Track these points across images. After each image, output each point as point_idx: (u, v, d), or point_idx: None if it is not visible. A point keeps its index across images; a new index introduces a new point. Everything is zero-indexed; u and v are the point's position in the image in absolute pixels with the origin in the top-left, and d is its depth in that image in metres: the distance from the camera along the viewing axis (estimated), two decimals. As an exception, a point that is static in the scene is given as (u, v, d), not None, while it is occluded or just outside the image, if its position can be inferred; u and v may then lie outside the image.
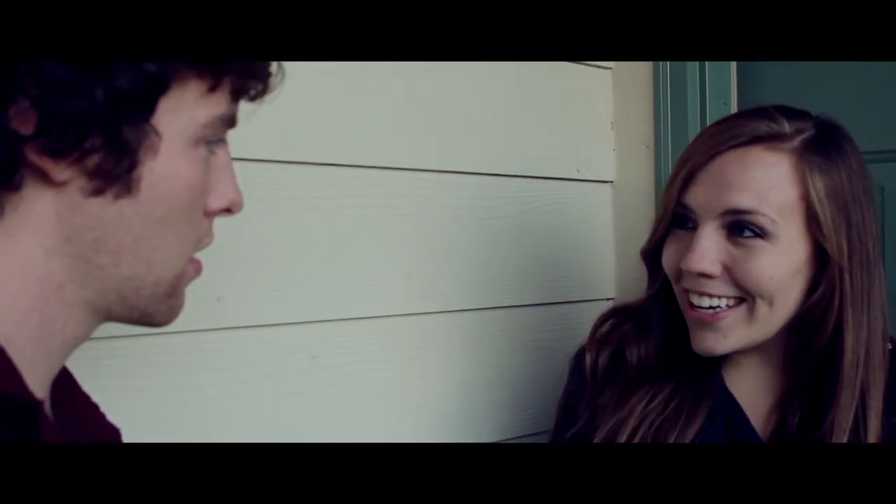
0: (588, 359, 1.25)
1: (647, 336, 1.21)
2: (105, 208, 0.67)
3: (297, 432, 1.25)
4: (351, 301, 1.31)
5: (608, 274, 1.70)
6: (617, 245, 1.70)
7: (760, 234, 1.05)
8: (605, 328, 1.26)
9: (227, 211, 0.78)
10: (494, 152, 1.50)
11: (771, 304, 1.07)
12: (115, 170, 0.66)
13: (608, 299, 1.69)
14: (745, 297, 1.07)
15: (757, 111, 1.12)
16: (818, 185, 1.05)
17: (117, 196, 0.67)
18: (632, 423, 1.16)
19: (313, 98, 1.25)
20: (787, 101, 1.13)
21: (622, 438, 1.15)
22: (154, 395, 1.13)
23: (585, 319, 1.65)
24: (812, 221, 1.05)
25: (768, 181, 1.05)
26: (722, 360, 1.17)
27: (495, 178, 1.51)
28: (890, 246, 1.44)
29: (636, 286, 1.65)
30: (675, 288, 1.14)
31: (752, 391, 1.17)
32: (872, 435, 1.05)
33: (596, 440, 1.18)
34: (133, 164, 0.67)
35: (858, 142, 1.44)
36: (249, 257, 1.21)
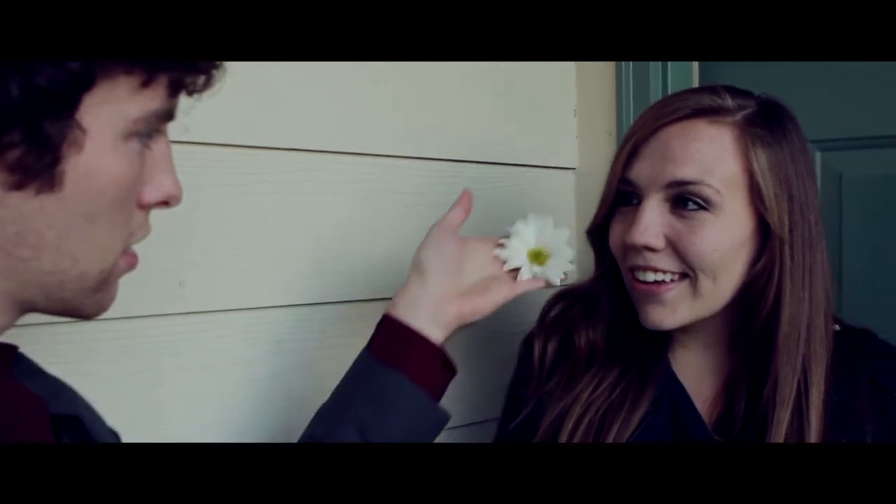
0: (537, 346, 1.25)
1: (595, 319, 1.21)
2: (26, 202, 0.66)
3: (260, 419, 1.25)
4: (314, 286, 1.30)
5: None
6: (578, 232, 1.69)
7: (704, 205, 1.05)
8: (553, 312, 1.27)
9: (164, 203, 0.76)
10: (457, 138, 1.50)
11: (714, 279, 1.07)
12: (37, 165, 0.64)
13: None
14: (689, 272, 1.07)
15: (700, 88, 1.16)
16: (761, 159, 1.06)
17: (39, 191, 0.65)
18: (577, 410, 1.16)
19: (274, 82, 1.24)
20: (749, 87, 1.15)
21: (568, 426, 1.15)
22: (103, 382, 1.10)
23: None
24: (755, 194, 1.06)
25: (711, 153, 1.06)
26: (669, 344, 1.18)
27: (457, 163, 1.50)
28: (848, 233, 1.46)
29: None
30: (622, 267, 1.14)
31: (698, 375, 1.17)
32: (814, 412, 1.05)
33: (542, 428, 1.18)
34: (56, 160, 0.65)
35: (818, 131, 1.47)
36: (212, 242, 1.20)
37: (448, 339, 1.06)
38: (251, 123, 1.22)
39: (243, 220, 1.23)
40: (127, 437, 0.93)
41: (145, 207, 0.75)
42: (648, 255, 1.08)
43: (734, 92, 1.11)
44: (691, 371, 1.18)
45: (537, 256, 1.11)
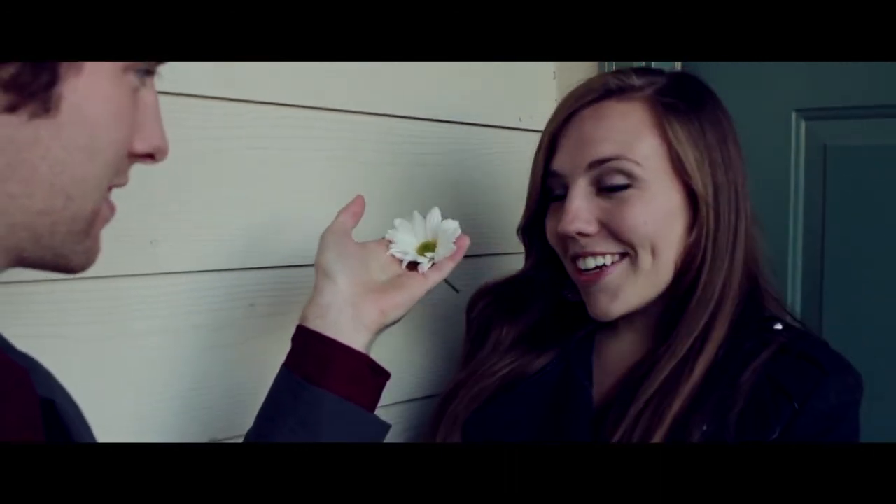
0: (465, 343, 1.30)
1: (517, 314, 1.22)
2: (19, 128, 0.61)
3: (234, 384, 1.21)
4: (290, 247, 1.26)
5: (547, 226, 1.68)
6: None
7: (628, 181, 1.06)
8: (474, 314, 1.28)
9: (150, 157, 0.72)
10: (436, 98, 1.47)
11: (653, 252, 1.07)
12: (33, 84, 0.60)
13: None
14: (627, 250, 1.07)
15: (608, 73, 1.17)
16: (675, 127, 1.06)
17: (34, 115, 0.61)
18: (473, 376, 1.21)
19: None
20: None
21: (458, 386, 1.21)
22: (77, 344, 1.07)
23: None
24: (676, 162, 1.06)
25: (625, 129, 1.07)
26: (595, 336, 1.19)
27: (436, 123, 1.47)
28: (831, 202, 1.45)
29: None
30: (564, 261, 1.14)
31: (619, 360, 1.16)
32: (700, 363, 1.04)
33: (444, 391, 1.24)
34: (53, 80, 0.61)
35: (802, 100, 1.46)
36: (186, 199, 1.16)
37: (373, 340, 1.00)
38: (233, 75, 1.18)
39: (217, 177, 1.19)
40: (100, 404, 0.90)
41: (132, 157, 0.71)
42: (584, 240, 1.08)
43: (642, 72, 1.12)
44: (613, 358, 1.17)
45: (426, 248, 1.08)
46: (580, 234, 1.08)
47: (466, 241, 1.08)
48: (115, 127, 0.66)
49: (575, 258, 1.11)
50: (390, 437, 1.03)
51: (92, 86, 0.63)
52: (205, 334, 1.19)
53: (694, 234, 1.07)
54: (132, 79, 0.67)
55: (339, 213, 1.06)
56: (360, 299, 1.00)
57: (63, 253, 0.67)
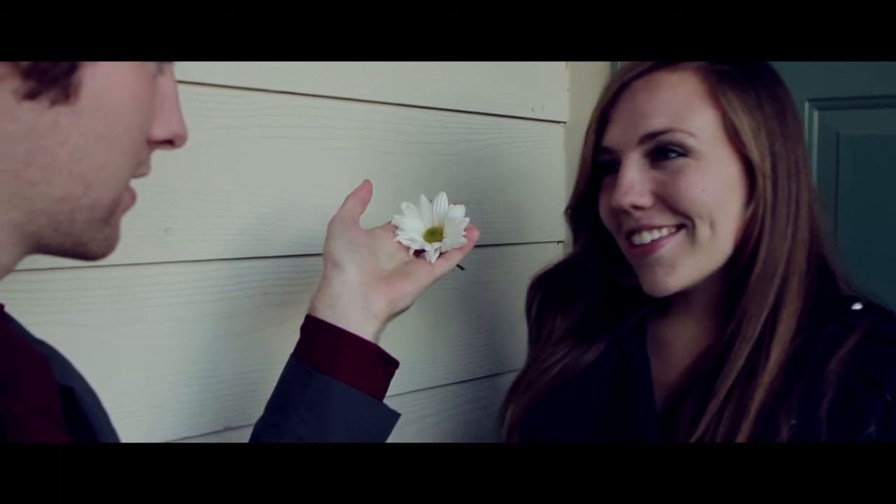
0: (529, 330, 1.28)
1: (567, 305, 1.19)
2: (40, 115, 0.61)
3: (244, 373, 1.22)
4: (304, 236, 1.26)
5: (558, 215, 1.68)
6: (568, 186, 1.68)
7: (682, 152, 1.02)
8: (530, 308, 1.26)
9: (170, 143, 0.72)
10: (449, 87, 1.46)
11: (711, 224, 1.02)
12: (53, 70, 0.60)
13: (558, 241, 1.68)
14: (684, 221, 1.03)
15: None
16: (730, 96, 1.02)
17: (54, 102, 0.61)
18: (536, 368, 1.18)
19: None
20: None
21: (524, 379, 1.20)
22: (92, 332, 1.08)
23: (534, 261, 1.64)
24: (731, 132, 1.02)
25: (678, 100, 1.03)
26: (651, 318, 1.15)
27: (448, 112, 1.47)
28: (844, 192, 1.44)
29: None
30: (618, 239, 1.10)
31: (681, 346, 1.12)
32: (776, 349, 0.99)
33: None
34: (73, 66, 0.61)
35: (815, 90, 1.46)
36: (201, 188, 1.16)
37: (382, 329, 1.01)
38: (242, 64, 1.18)
39: (231, 166, 1.19)
40: (115, 391, 0.91)
41: (151, 144, 0.71)
42: (639, 214, 1.04)
43: None
44: (672, 345, 1.12)
45: (433, 235, 1.07)
46: (634, 207, 1.03)
47: (476, 234, 1.08)
48: (134, 114, 0.66)
49: (630, 234, 1.06)
50: (399, 427, 1.03)
51: (111, 73, 0.64)
52: (217, 322, 1.19)
53: (752, 207, 1.02)
54: (151, 66, 0.67)
55: (348, 198, 1.05)
56: (369, 289, 1.00)
57: (83, 240, 0.67)
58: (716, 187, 1.02)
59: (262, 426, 1.00)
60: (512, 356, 1.62)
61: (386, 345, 1.01)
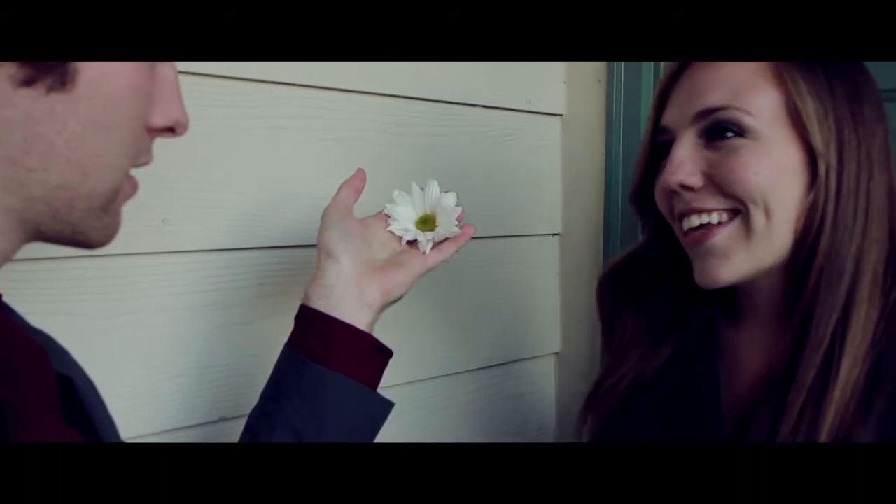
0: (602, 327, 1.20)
1: (637, 303, 1.13)
2: (36, 102, 0.61)
3: (241, 363, 1.22)
4: (299, 227, 1.27)
5: (555, 208, 1.69)
6: (564, 179, 1.69)
7: (738, 131, 0.95)
8: (602, 306, 1.19)
9: (171, 131, 0.73)
10: (445, 79, 1.47)
11: (767, 211, 0.95)
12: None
13: (553, 234, 1.69)
14: (738, 206, 0.96)
15: None
16: (796, 77, 0.95)
17: (50, 89, 0.61)
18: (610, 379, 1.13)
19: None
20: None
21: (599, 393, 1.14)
22: (90, 321, 1.09)
23: (530, 254, 1.65)
24: (795, 115, 0.95)
25: (738, 77, 0.97)
26: (719, 322, 1.09)
27: (445, 105, 1.47)
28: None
29: (582, 222, 1.65)
30: (673, 225, 1.04)
31: (748, 355, 1.05)
32: (846, 363, 0.90)
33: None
34: None
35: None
36: (199, 178, 1.16)
37: (376, 319, 1.01)
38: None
39: (228, 157, 1.19)
40: (112, 380, 0.91)
41: (152, 132, 0.71)
42: (689, 195, 0.98)
43: None
44: (740, 353, 1.06)
45: (425, 223, 1.07)
46: (683, 186, 0.98)
47: (472, 229, 1.08)
48: (132, 102, 0.67)
49: (681, 217, 1.00)
50: (396, 418, 1.04)
51: (108, 61, 0.64)
52: (214, 313, 1.20)
53: (811, 196, 0.94)
54: None
55: (341, 187, 1.06)
56: (363, 279, 1.00)
57: (81, 228, 0.67)
58: (772, 171, 0.94)
59: (256, 415, 1.00)
60: (508, 348, 1.63)
61: (382, 335, 1.02)
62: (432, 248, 1.06)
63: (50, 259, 1.03)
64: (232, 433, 1.02)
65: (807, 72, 0.95)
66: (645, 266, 1.12)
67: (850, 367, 0.90)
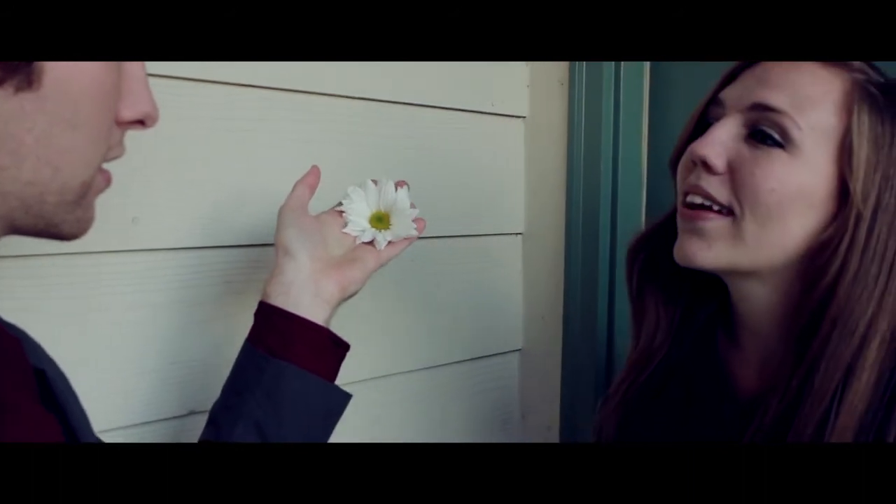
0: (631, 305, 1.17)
1: (662, 279, 1.11)
2: (5, 102, 0.62)
3: (211, 359, 1.24)
4: (265, 225, 1.28)
5: (518, 208, 1.72)
6: (527, 180, 1.71)
7: (781, 140, 0.93)
8: (634, 283, 1.14)
9: (141, 123, 0.74)
10: (409, 81, 1.49)
11: (762, 225, 0.94)
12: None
13: (517, 234, 1.72)
14: (737, 208, 0.95)
15: None
16: (863, 118, 0.92)
17: (18, 88, 0.62)
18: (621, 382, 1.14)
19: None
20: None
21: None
22: (59, 318, 1.11)
23: (494, 252, 1.68)
24: (844, 153, 0.92)
25: (809, 90, 0.94)
26: (719, 330, 1.09)
27: (408, 106, 1.50)
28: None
29: (545, 222, 1.68)
30: (678, 196, 1.03)
31: (740, 366, 1.06)
32: (844, 416, 0.89)
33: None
34: None
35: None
36: (168, 178, 1.19)
37: (333, 314, 1.05)
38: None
39: (195, 157, 1.21)
40: (83, 378, 0.93)
41: (122, 125, 0.73)
42: (704, 176, 0.97)
43: (870, 63, 0.98)
44: (740, 373, 1.05)
45: (380, 220, 1.11)
46: (705, 164, 0.96)
47: (423, 224, 1.12)
48: (99, 98, 0.68)
49: (687, 191, 0.99)
50: (355, 413, 1.06)
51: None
52: (182, 310, 1.22)
53: (829, 233, 0.92)
54: None
55: (296, 185, 1.09)
56: (320, 275, 1.03)
57: (54, 222, 0.69)
58: (790, 190, 0.93)
59: (219, 409, 1.03)
60: (472, 345, 1.65)
61: (347, 333, 1.04)
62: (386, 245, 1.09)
63: (19, 258, 1.05)
64: (201, 426, 1.05)
65: (877, 117, 0.93)
66: (671, 231, 1.07)
67: (846, 425, 0.89)
